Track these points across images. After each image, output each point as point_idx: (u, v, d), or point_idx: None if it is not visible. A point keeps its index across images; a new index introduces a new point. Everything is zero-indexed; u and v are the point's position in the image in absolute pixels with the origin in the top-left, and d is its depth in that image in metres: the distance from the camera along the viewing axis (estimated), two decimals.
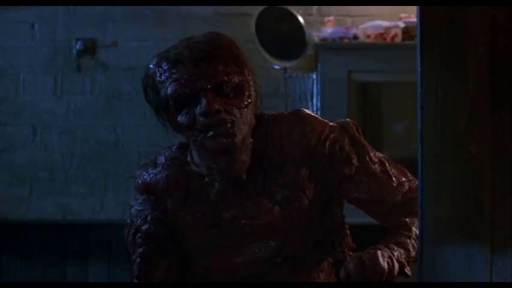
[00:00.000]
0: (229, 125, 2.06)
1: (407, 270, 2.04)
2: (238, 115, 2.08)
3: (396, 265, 2.02)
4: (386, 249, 2.04)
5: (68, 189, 5.18)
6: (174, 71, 2.07)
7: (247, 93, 2.11)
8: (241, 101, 2.09)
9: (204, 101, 2.04)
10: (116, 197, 5.12)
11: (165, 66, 2.08)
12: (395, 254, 2.05)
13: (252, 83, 2.14)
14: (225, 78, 2.07)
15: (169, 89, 2.08)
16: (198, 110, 2.06)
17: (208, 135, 2.07)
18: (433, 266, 1.39)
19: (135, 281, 2.21)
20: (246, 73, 2.13)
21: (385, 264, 1.99)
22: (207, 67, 2.06)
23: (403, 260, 2.05)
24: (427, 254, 1.39)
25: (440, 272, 1.38)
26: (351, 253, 2.28)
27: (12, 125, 5.19)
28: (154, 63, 2.12)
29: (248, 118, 2.11)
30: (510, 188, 1.37)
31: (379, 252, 2.00)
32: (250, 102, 2.12)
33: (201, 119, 2.06)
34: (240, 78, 2.10)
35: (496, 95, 1.37)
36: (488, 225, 1.36)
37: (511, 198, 1.37)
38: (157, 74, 2.10)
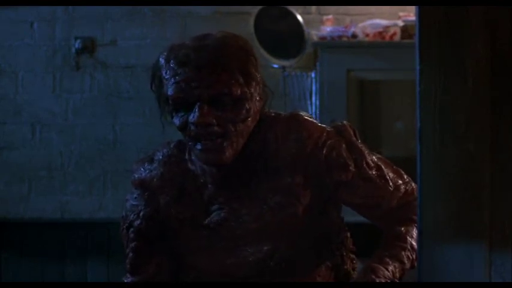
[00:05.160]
0: (219, 140, 2.04)
1: None
2: (232, 129, 2.05)
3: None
4: (382, 269, 2.05)
5: (67, 188, 5.18)
6: (179, 71, 2.04)
7: (247, 107, 2.06)
8: (238, 114, 2.05)
9: (197, 112, 2.02)
10: (115, 195, 5.12)
11: (172, 63, 2.06)
12: (390, 268, 2.06)
13: (257, 94, 2.09)
14: (225, 90, 2.02)
15: (170, 89, 2.06)
16: (190, 118, 2.04)
17: (198, 147, 2.06)
18: (432, 266, 1.39)
19: (128, 275, 2.23)
20: (253, 83, 2.08)
21: None
22: (208, 75, 2.02)
23: (398, 277, 2.07)
24: (427, 254, 1.39)
25: (440, 271, 1.39)
26: (351, 255, 2.27)
27: (11, 124, 5.19)
28: (164, 56, 2.09)
29: (245, 132, 2.08)
30: (509, 188, 1.37)
31: (377, 281, 2.02)
32: (249, 116, 2.07)
33: (192, 127, 2.04)
34: (242, 90, 2.05)
35: (495, 94, 1.37)
36: (487, 225, 1.37)
37: (510, 198, 1.37)
38: (164, 70, 2.08)
